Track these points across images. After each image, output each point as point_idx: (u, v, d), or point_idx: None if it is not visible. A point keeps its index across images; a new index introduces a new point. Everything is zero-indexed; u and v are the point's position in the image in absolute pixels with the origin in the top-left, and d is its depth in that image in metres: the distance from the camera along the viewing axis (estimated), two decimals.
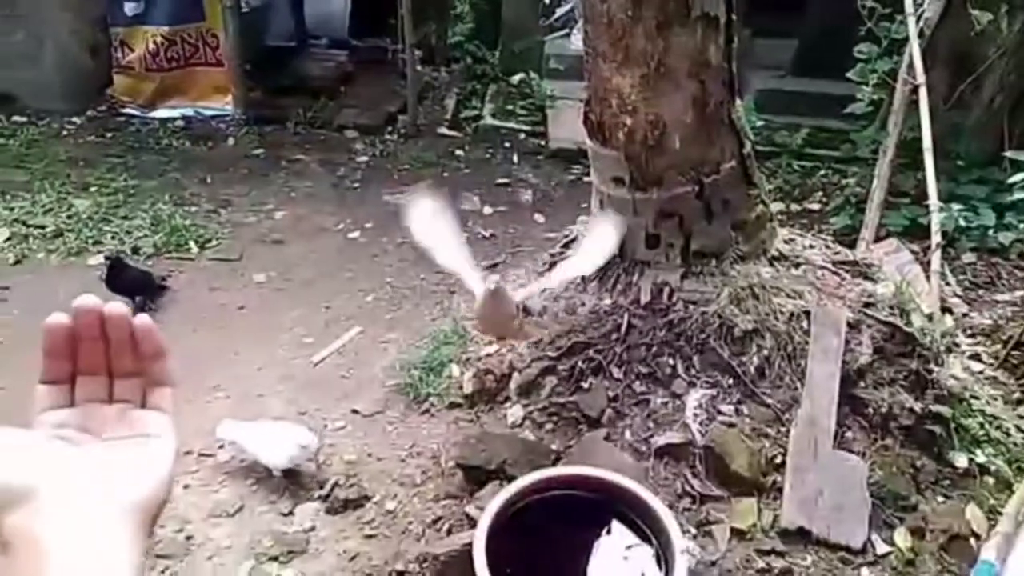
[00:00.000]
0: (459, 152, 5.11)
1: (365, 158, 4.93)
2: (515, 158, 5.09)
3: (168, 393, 0.65)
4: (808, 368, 2.44)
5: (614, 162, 2.54)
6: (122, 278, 3.21)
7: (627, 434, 2.44)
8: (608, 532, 2.09)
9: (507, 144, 5.24)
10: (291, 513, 2.39)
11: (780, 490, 2.27)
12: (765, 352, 2.48)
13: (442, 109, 5.61)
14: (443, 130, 5.36)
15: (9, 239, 3.68)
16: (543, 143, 5.23)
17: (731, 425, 2.37)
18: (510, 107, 5.65)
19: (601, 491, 2.10)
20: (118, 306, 0.62)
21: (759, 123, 4.78)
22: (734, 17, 2.47)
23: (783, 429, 2.38)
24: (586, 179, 4.46)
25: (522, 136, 5.35)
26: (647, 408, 2.47)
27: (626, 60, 2.40)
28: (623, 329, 2.59)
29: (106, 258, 3.29)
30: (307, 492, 2.46)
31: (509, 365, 2.82)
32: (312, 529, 2.33)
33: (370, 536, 2.32)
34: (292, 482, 2.47)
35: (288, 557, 2.21)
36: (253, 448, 2.43)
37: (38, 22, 4.73)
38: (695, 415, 2.39)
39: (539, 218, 4.41)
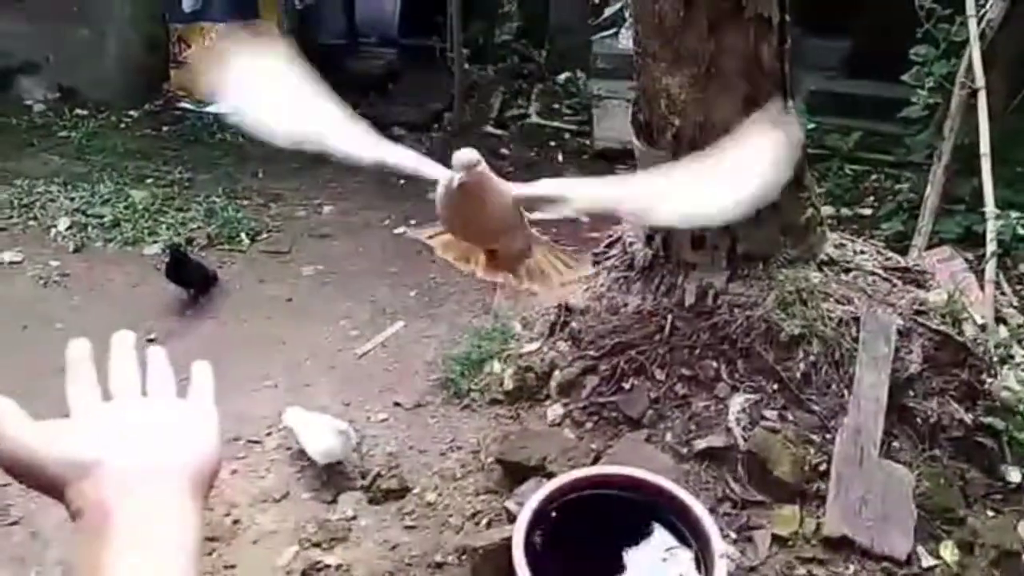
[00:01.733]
0: (504, 151, 5.13)
1: None
2: (560, 157, 5.10)
3: (204, 368, 0.72)
4: (856, 375, 2.40)
5: (661, 163, 2.53)
6: (180, 269, 3.31)
7: (668, 436, 2.43)
8: (647, 533, 2.09)
9: (552, 143, 5.25)
10: (334, 501, 2.44)
11: (823, 498, 2.23)
12: (812, 358, 2.45)
13: (488, 107, 5.64)
14: (489, 128, 5.39)
15: (70, 227, 3.82)
16: (588, 142, 5.22)
17: (775, 431, 2.34)
18: (556, 106, 5.66)
19: (641, 492, 2.10)
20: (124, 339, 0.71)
21: (810, 125, 4.70)
22: (787, 18, 2.44)
23: (828, 436, 2.35)
24: None
25: (567, 135, 5.36)
26: (689, 411, 2.46)
27: (676, 60, 2.39)
28: (666, 331, 2.58)
29: (168, 249, 3.39)
30: (350, 481, 2.50)
31: (550, 363, 2.83)
32: (354, 518, 2.38)
33: (410, 527, 2.36)
34: (335, 471, 2.52)
35: (331, 544, 2.26)
36: (302, 436, 2.49)
37: (101, 19, 4.89)
38: (738, 419, 2.37)
39: (583, 217, 4.39)
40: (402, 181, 4.68)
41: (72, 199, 3.99)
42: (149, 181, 4.25)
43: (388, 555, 2.25)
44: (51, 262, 3.59)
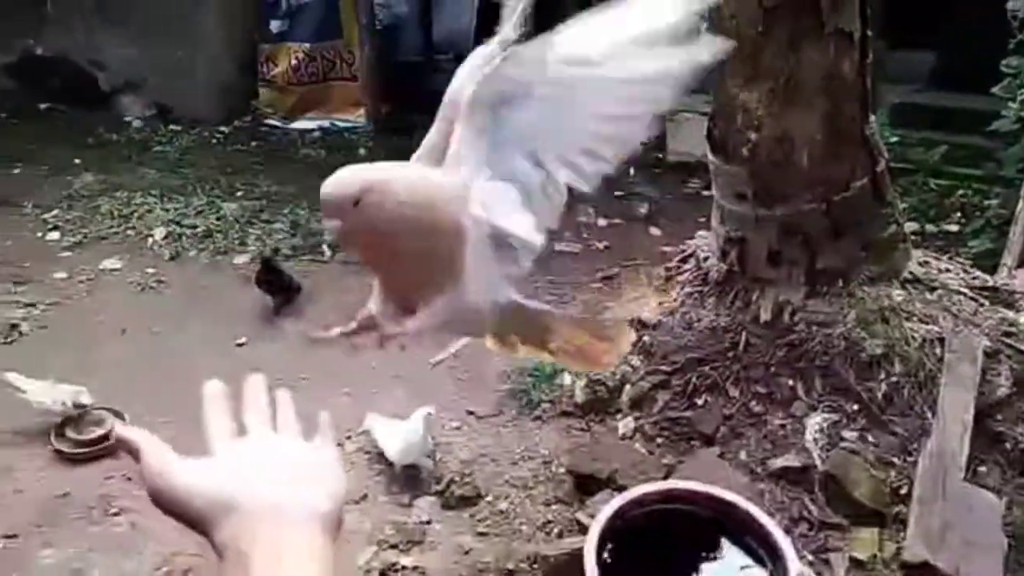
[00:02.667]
0: None
1: None
2: (631, 170, 5.10)
3: (324, 416, 0.74)
4: (940, 397, 2.33)
5: (737, 177, 2.53)
6: (270, 279, 3.47)
7: (742, 454, 2.41)
8: (720, 551, 2.07)
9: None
10: (410, 505, 2.51)
11: (904, 522, 2.17)
12: (894, 378, 2.39)
13: None
14: None
15: (166, 237, 4.05)
16: (661, 155, 5.21)
17: (854, 452, 2.29)
18: None
19: (714, 509, 2.09)
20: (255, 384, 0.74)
21: (893, 139, 4.57)
22: (870, 32, 2.41)
23: (910, 459, 2.29)
24: (705, 193, 4.44)
25: (640, 148, 5.35)
26: (764, 429, 2.44)
27: (754, 75, 2.39)
28: (740, 347, 2.57)
29: (260, 258, 3.55)
30: (425, 486, 2.57)
31: (621, 377, 2.85)
32: (429, 522, 2.44)
33: (483, 533, 2.41)
34: (411, 476, 2.59)
35: (407, 546, 2.33)
36: (380, 440, 2.58)
37: (196, 41, 5.17)
38: (815, 439, 2.34)
39: (655, 231, 4.40)
40: None
41: (168, 210, 4.23)
42: (239, 194, 4.46)
43: (461, 560, 2.30)
44: (148, 269, 3.82)
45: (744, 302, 2.62)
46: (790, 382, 2.46)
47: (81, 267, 3.82)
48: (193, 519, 0.60)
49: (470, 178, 0.84)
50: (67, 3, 5.23)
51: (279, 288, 3.51)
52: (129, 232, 4.09)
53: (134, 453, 0.64)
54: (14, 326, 3.40)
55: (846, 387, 2.41)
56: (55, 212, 4.23)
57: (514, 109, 0.82)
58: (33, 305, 3.55)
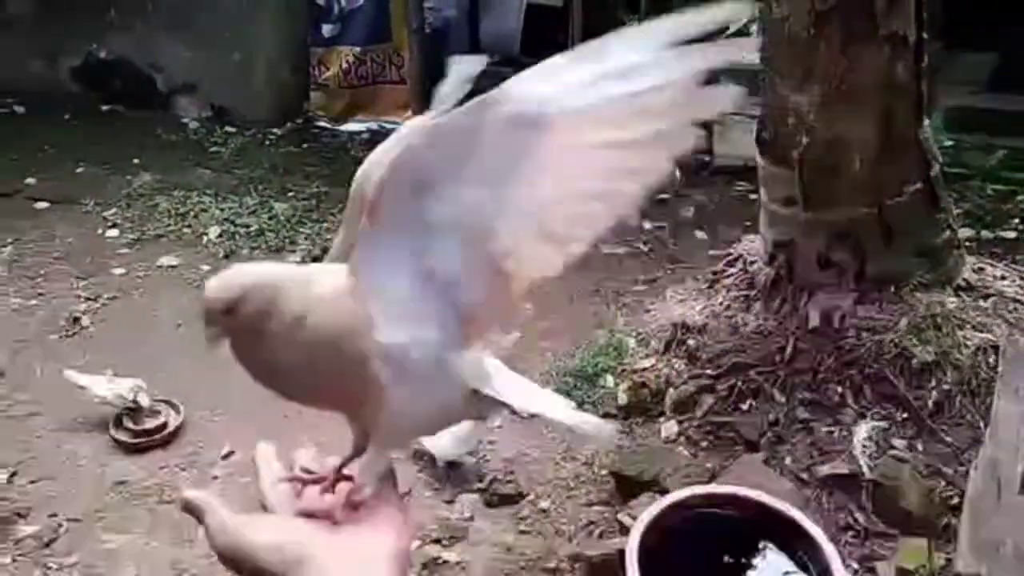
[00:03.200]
0: None
1: None
2: (677, 173, 5.06)
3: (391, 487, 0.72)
4: (994, 407, 2.27)
5: (787, 181, 2.51)
6: None
7: (788, 460, 2.39)
8: (764, 557, 2.06)
9: None
10: (453, 501, 2.55)
11: (955, 533, 2.13)
12: (945, 387, 2.35)
13: None
14: None
15: (220, 235, 4.17)
16: (707, 158, 5.17)
17: (903, 460, 2.26)
18: None
19: (759, 514, 2.08)
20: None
21: (948, 143, 4.47)
22: (925, 35, 2.37)
23: (961, 469, 2.24)
24: (752, 196, 4.38)
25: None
26: (811, 435, 2.41)
27: (806, 78, 2.37)
28: (787, 352, 2.54)
29: (304, 260, 3.64)
30: (467, 484, 2.61)
31: (665, 380, 2.84)
32: (471, 519, 2.48)
33: (524, 532, 2.43)
34: (454, 473, 2.63)
35: (450, 542, 2.37)
36: (425, 438, 2.63)
37: (251, 45, 5.31)
38: (864, 447, 2.30)
39: (700, 234, 4.37)
40: None
41: (222, 209, 4.35)
42: (290, 194, 4.57)
43: (503, 556, 2.33)
44: (203, 266, 3.94)
45: (792, 307, 2.60)
46: (838, 389, 2.43)
47: (139, 263, 3.96)
48: (264, 574, 0.62)
49: (375, 290, 0.67)
50: (129, 9, 5.42)
51: None
52: (185, 230, 4.22)
53: (199, 515, 0.66)
54: (76, 319, 3.54)
55: (896, 395, 2.37)
56: (115, 210, 4.38)
57: (440, 196, 0.64)
58: (94, 299, 3.69)
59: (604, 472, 2.61)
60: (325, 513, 0.69)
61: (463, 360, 0.72)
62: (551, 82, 0.61)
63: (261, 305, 0.66)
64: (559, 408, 0.78)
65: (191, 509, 0.67)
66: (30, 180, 4.70)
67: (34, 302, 3.68)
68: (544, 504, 2.54)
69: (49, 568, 2.43)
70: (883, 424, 2.34)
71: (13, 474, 2.62)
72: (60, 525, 2.56)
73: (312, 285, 0.68)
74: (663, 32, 0.59)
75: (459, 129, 0.62)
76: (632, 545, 1.98)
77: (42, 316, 3.57)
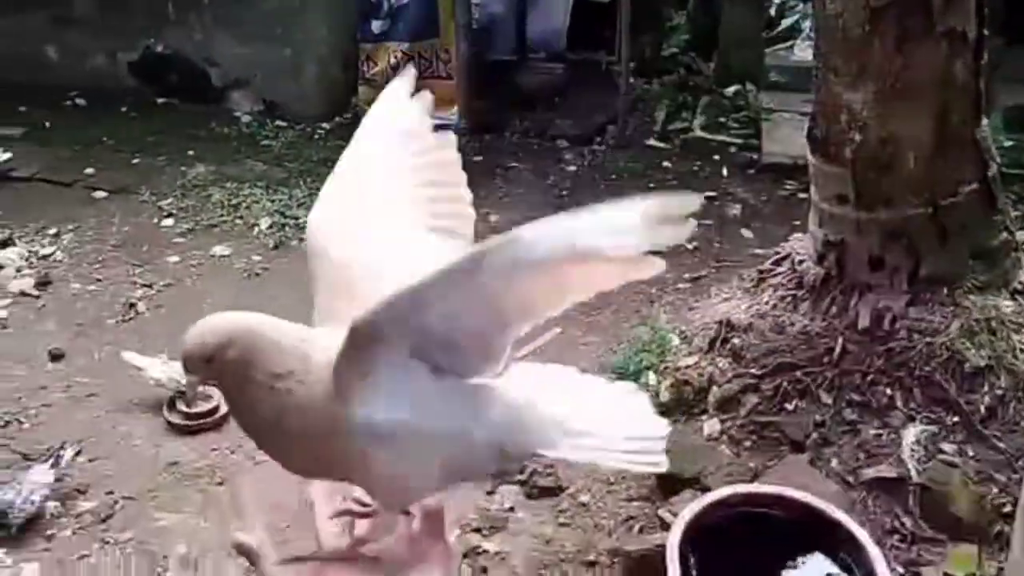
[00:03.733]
0: (666, 164, 5.13)
1: (574, 167, 5.10)
2: (724, 171, 5.02)
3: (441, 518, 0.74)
4: None
5: (839, 179, 2.48)
6: None
7: (833, 462, 2.36)
8: (806, 558, 2.04)
9: (716, 157, 5.18)
10: (493, 492, 2.58)
11: (1007, 541, 2.08)
12: (998, 391, 2.30)
13: (652, 121, 5.65)
14: (652, 142, 5.40)
15: (271, 227, 4.26)
16: (755, 157, 5.11)
17: (953, 465, 2.22)
18: (722, 119, 5.57)
19: (803, 515, 2.06)
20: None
21: (1008, 143, 4.34)
22: (986, 32, 2.32)
23: (1014, 476, 2.19)
24: (801, 195, 4.33)
25: (733, 149, 5.26)
26: (858, 438, 2.38)
27: (860, 75, 2.34)
28: (836, 353, 2.51)
29: None
30: (508, 475, 2.63)
31: (708, 378, 2.83)
32: (511, 510, 2.51)
33: (564, 524, 2.45)
34: None
35: (490, 532, 2.40)
36: None
37: (303, 40, 5.41)
38: (912, 451, 2.27)
39: (746, 233, 4.32)
40: (565, 192, 4.82)
41: (273, 201, 4.45)
42: None
43: (543, 548, 2.35)
44: (254, 257, 4.03)
45: (841, 307, 2.56)
46: (887, 391, 2.39)
47: (193, 252, 4.07)
48: None
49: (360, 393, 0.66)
50: (186, 5, 5.56)
51: None
52: (237, 221, 4.33)
53: (252, 559, 0.68)
54: (132, 305, 3.66)
55: (947, 398, 2.33)
56: (170, 200, 4.51)
57: (432, 321, 0.66)
58: (149, 286, 3.81)
59: None
60: (376, 553, 0.70)
61: (475, 416, 0.71)
62: (542, 232, 0.64)
63: (244, 353, 0.65)
64: (609, 454, 0.78)
65: (245, 552, 0.69)
66: (89, 170, 4.86)
67: (92, 288, 3.82)
68: (584, 498, 2.55)
69: (106, 543, 2.53)
70: (933, 428, 2.30)
71: (78, 453, 2.73)
72: (116, 502, 2.66)
73: (304, 345, 0.67)
74: (639, 210, 0.64)
75: (462, 272, 0.64)
76: (673, 542, 1.98)
77: (100, 301, 3.70)
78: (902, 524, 2.18)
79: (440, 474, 0.70)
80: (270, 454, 0.70)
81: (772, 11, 5.93)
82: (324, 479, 0.74)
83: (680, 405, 2.83)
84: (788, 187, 4.67)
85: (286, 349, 0.66)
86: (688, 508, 2.06)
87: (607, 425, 0.78)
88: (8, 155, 4.68)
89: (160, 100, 5.76)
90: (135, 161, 4.99)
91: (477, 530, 2.41)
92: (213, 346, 0.66)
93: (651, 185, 4.86)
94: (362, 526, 0.74)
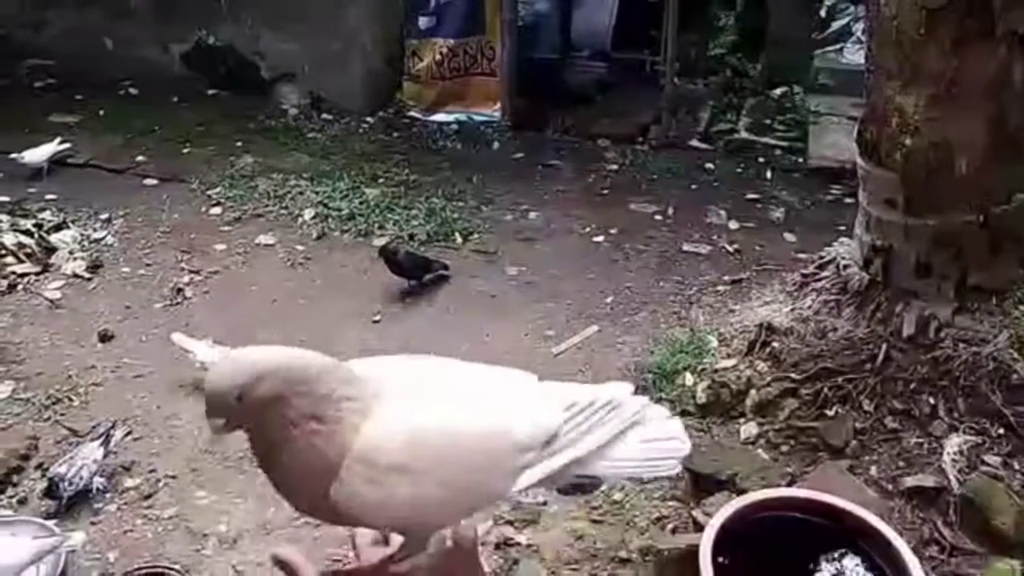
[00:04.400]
0: (709, 165, 5.09)
1: (615, 167, 5.09)
2: (768, 174, 4.97)
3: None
4: None
5: (888, 183, 2.44)
6: (391, 265, 3.66)
7: (873, 469, 2.33)
8: (841, 564, 2.02)
9: (761, 159, 5.12)
10: None
11: None
12: None
13: (695, 121, 5.61)
14: (694, 142, 5.36)
15: (314, 217, 4.34)
16: (801, 160, 5.04)
17: (997, 478, 2.17)
18: (767, 121, 5.51)
19: (839, 521, 2.04)
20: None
21: None
22: None
23: None
24: (847, 200, 4.27)
25: (778, 152, 5.20)
26: (898, 446, 2.35)
27: (914, 78, 2.30)
28: (878, 360, 2.48)
29: (380, 252, 3.71)
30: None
31: (747, 381, 2.81)
32: (544, 504, 2.52)
33: (597, 521, 2.46)
34: None
35: (522, 524, 2.42)
36: None
37: (349, 35, 5.48)
38: (954, 461, 2.23)
39: (790, 237, 4.27)
40: (605, 191, 4.81)
41: (317, 193, 4.52)
42: (381, 181, 4.71)
43: (574, 544, 2.36)
44: (297, 246, 4.11)
45: (886, 314, 2.52)
46: (930, 400, 2.35)
47: (239, 241, 4.16)
48: None
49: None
50: None
51: (406, 272, 3.68)
52: (282, 211, 4.41)
53: (291, 570, 0.70)
54: (179, 290, 3.76)
55: (992, 410, 2.28)
56: (218, 189, 4.61)
57: None
58: (197, 272, 3.90)
59: (679, 468, 2.60)
60: (409, 569, 0.72)
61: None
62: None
63: (278, 389, 0.63)
64: (625, 467, 0.84)
65: (283, 566, 0.70)
66: (141, 158, 5.00)
67: (142, 272, 3.92)
68: (617, 496, 2.56)
69: (149, 519, 2.61)
70: (976, 439, 2.25)
71: (127, 433, 2.81)
72: (159, 480, 2.74)
73: (340, 388, 0.66)
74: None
75: None
76: (706, 542, 1.98)
77: (149, 285, 3.81)
78: (941, 535, 2.14)
79: (459, 511, 0.72)
80: (288, 500, 0.70)
81: (822, 13, 5.83)
82: (330, 523, 0.74)
83: (717, 407, 2.82)
84: (834, 192, 4.60)
85: (313, 394, 0.65)
86: (722, 510, 2.06)
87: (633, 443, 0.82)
88: (66, 145, 4.83)
89: (210, 91, 5.89)
90: (185, 150, 5.11)
91: (510, 522, 2.43)
92: (241, 385, 0.63)
93: (692, 186, 4.83)
94: (397, 541, 0.76)
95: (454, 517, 0.72)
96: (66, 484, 2.55)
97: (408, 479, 0.66)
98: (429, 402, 0.71)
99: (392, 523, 0.71)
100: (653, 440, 0.83)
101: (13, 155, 4.62)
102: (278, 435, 0.65)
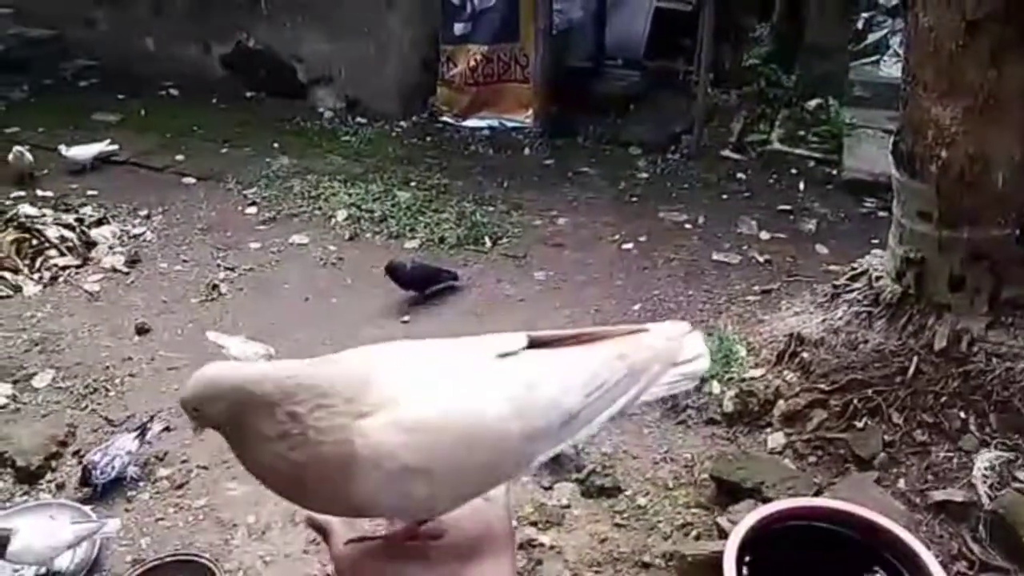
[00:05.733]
0: (741, 175, 5.08)
1: (646, 174, 5.10)
2: (801, 185, 4.94)
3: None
4: None
5: (923, 195, 2.42)
6: (402, 279, 3.66)
7: (901, 482, 2.31)
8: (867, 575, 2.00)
9: (794, 171, 5.09)
10: (551, 488, 2.61)
11: None
12: None
13: (727, 131, 5.60)
14: (726, 152, 5.35)
15: (347, 219, 4.40)
16: (835, 172, 5.00)
17: None
18: (801, 132, 5.47)
19: (865, 532, 2.02)
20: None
21: None
22: None
23: None
24: (881, 213, 4.23)
25: (811, 164, 5.16)
26: (927, 459, 2.33)
27: (950, 90, 2.29)
28: (909, 373, 2.46)
29: (385, 269, 3.68)
30: (566, 473, 2.66)
31: (775, 391, 2.80)
32: (568, 506, 2.53)
33: (620, 525, 2.46)
34: (553, 461, 2.69)
35: (546, 526, 2.43)
36: None
37: (385, 41, 5.56)
38: (984, 476, 2.20)
39: (821, 249, 4.24)
40: (635, 199, 4.81)
41: (350, 194, 4.59)
42: (412, 184, 4.77)
43: (598, 547, 2.37)
44: (330, 247, 4.18)
45: (918, 327, 2.50)
46: (961, 414, 2.33)
47: (273, 240, 4.24)
48: None
49: None
50: (279, 2, 5.79)
51: (410, 284, 3.69)
52: (316, 212, 4.48)
53: (324, 533, 0.70)
54: (215, 286, 3.83)
55: None
56: (254, 189, 4.70)
57: None
58: (232, 269, 3.98)
59: (704, 476, 2.60)
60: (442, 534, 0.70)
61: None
62: None
63: (233, 409, 0.62)
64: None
65: (316, 528, 0.70)
66: (180, 157, 5.11)
67: (178, 267, 4.01)
68: (641, 501, 2.56)
69: (180, 508, 2.67)
70: (1009, 455, 2.22)
71: (165, 428, 2.87)
72: (191, 471, 2.80)
73: (306, 402, 0.62)
74: None
75: None
76: (731, 548, 1.98)
77: (185, 281, 3.89)
78: (970, 550, 2.12)
79: (478, 494, 0.69)
80: (285, 498, 0.67)
81: (859, 25, 5.79)
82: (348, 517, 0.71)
83: (744, 416, 2.81)
84: (868, 205, 4.56)
85: (278, 412, 0.62)
86: (747, 517, 2.05)
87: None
88: (114, 146, 4.96)
89: (248, 93, 6.01)
90: (223, 150, 5.22)
91: (533, 523, 2.44)
92: (198, 399, 0.64)
93: (723, 196, 4.81)
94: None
95: (474, 498, 0.71)
96: (98, 472, 2.62)
97: (424, 479, 0.64)
98: (437, 394, 0.66)
99: (414, 517, 0.69)
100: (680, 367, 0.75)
101: (63, 150, 4.76)
102: (251, 449, 0.64)
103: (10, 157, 4.61)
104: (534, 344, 0.70)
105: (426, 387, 0.65)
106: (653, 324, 0.76)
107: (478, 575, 0.67)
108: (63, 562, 2.34)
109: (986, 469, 2.20)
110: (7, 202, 4.37)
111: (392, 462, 0.61)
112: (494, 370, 0.68)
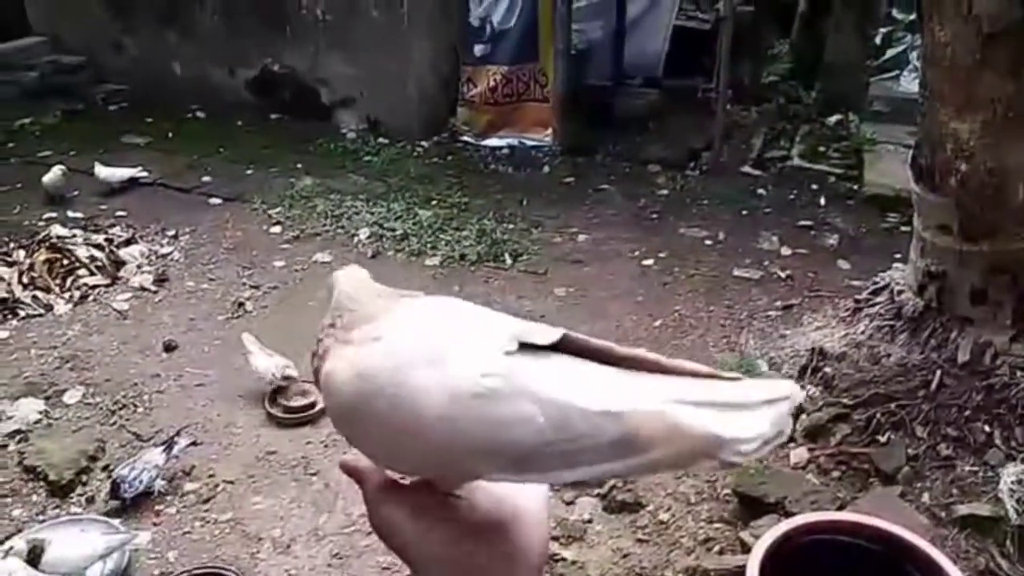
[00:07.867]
0: (761, 191, 5.08)
1: (665, 191, 5.12)
2: (822, 201, 4.93)
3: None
4: None
5: (942, 209, 2.42)
6: None
7: (925, 496, 2.29)
8: None
9: (814, 186, 5.09)
10: (572, 503, 2.61)
11: None
12: None
13: (747, 148, 5.62)
14: (746, 168, 5.36)
15: (369, 237, 4.47)
16: (856, 187, 4.99)
17: None
18: (821, 148, 5.48)
19: (890, 547, 2.01)
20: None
21: None
22: None
23: None
24: (903, 228, 4.21)
25: (832, 179, 5.16)
26: (952, 473, 2.31)
27: (968, 104, 2.30)
28: (933, 387, 2.45)
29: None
30: (587, 487, 2.67)
31: (798, 406, 2.79)
32: (590, 521, 2.53)
33: (642, 540, 2.46)
34: None
35: (567, 541, 2.43)
36: None
37: (408, 60, 5.66)
38: (1011, 490, 2.18)
39: (843, 264, 4.22)
40: (655, 215, 4.84)
41: (372, 213, 4.66)
42: (434, 203, 4.83)
43: (620, 562, 2.37)
44: (353, 264, 4.23)
45: (940, 340, 2.49)
46: (986, 428, 2.31)
47: (297, 258, 4.31)
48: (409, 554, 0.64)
49: None
50: (303, 26, 5.92)
51: None
52: (339, 231, 4.55)
53: (359, 477, 0.68)
54: (240, 304, 3.90)
55: None
56: (278, 209, 4.79)
57: None
58: (257, 287, 4.05)
59: (727, 491, 2.59)
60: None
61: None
62: None
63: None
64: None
65: (351, 472, 0.68)
66: (206, 178, 5.22)
67: (205, 286, 4.09)
68: (663, 516, 2.56)
69: (207, 522, 2.71)
70: None
71: (192, 443, 2.92)
72: (217, 485, 2.84)
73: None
74: None
75: None
76: (754, 563, 1.97)
77: (211, 299, 3.97)
78: (998, 566, 2.09)
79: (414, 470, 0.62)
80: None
81: (877, 41, 5.80)
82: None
83: None
84: (890, 220, 4.55)
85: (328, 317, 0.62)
86: (770, 532, 2.05)
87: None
88: (145, 173, 5.09)
89: (273, 116, 6.13)
90: (248, 172, 5.32)
91: (555, 538, 2.45)
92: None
93: (744, 212, 4.82)
94: None
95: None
96: (126, 486, 2.67)
97: (360, 429, 0.59)
98: (412, 356, 0.56)
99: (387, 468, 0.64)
100: None
101: (97, 170, 4.89)
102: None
103: (48, 177, 4.74)
104: (568, 347, 0.55)
105: (410, 341, 0.56)
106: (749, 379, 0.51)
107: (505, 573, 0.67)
108: (94, 573, 2.38)
109: (1013, 483, 2.18)
110: (40, 223, 4.49)
111: (333, 398, 0.57)
112: (490, 359, 0.54)
